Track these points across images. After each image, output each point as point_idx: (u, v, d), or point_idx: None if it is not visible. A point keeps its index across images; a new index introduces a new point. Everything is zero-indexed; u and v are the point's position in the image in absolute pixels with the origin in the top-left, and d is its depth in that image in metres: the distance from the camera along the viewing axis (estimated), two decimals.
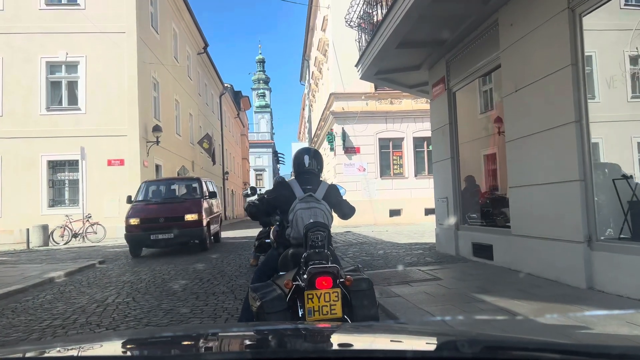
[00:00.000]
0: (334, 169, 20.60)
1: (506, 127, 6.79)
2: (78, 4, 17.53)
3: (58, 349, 1.36)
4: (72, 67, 17.54)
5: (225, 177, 37.88)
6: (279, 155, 77.69)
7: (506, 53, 6.59)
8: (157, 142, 18.56)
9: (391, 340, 1.47)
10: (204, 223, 11.75)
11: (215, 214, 14.10)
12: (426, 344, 1.37)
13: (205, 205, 12.21)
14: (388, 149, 20.83)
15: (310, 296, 2.69)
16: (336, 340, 1.45)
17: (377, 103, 20.66)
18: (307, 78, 35.33)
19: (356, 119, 20.14)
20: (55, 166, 17.44)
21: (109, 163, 17.19)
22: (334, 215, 3.50)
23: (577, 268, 5.21)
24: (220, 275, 7.90)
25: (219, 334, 1.58)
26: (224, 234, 18.94)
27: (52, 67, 17.55)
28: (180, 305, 5.68)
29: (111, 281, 7.81)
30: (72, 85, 17.64)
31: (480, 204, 8.58)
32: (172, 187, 13.75)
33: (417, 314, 4.52)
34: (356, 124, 20.23)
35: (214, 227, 13.60)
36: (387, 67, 9.60)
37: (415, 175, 20.66)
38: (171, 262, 10.01)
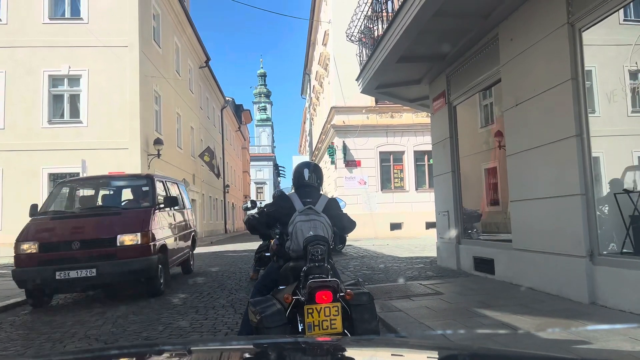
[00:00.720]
0: (335, 182, 20.60)
1: (507, 141, 6.80)
2: (81, 18, 17.69)
3: None
4: (74, 80, 17.64)
5: (226, 190, 37.93)
6: (280, 168, 77.82)
7: (506, 67, 6.63)
8: (159, 155, 18.60)
9: (392, 355, 1.45)
10: (153, 249, 7.21)
11: (182, 233, 9.52)
12: (427, 358, 1.35)
13: (158, 219, 7.82)
14: (389, 162, 20.85)
15: (310, 310, 2.67)
16: (337, 354, 1.44)
17: (377, 117, 20.73)
18: (308, 92, 35.50)
19: (357, 132, 20.20)
20: (56, 179, 17.40)
21: None
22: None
23: (579, 282, 5.18)
24: (220, 288, 7.86)
25: (219, 348, 1.56)
26: (223, 248, 18.88)
27: (55, 81, 17.65)
28: (180, 319, 5.64)
29: None
30: (74, 99, 17.72)
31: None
32: (107, 190, 9.39)
33: (418, 328, 4.48)
34: (357, 137, 20.28)
35: (179, 255, 9.17)
36: (387, 81, 9.65)
37: (416, 189, 20.65)
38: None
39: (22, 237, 7.02)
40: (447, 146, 8.80)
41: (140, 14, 17.98)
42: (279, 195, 3.71)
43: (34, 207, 7.76)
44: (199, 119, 28.62)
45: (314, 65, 30.13)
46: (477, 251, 7.83)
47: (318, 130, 28.89)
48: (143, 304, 6.76)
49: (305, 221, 3.19)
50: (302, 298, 2.69)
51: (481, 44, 7.43)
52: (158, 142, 18.42)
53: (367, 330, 2.74)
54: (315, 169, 3.59)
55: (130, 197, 8.70)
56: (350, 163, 20.32)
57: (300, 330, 2.71)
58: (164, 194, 8.67)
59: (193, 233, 10.77)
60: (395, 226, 20.16)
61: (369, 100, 19.32)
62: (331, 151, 20.77)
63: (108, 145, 17.09)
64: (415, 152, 20.69)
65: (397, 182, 20.91)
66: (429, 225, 18.01)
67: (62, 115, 17.60)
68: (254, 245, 11.23)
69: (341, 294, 2.72)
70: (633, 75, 5.20)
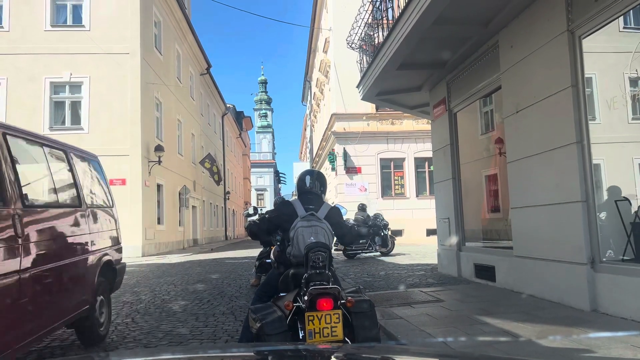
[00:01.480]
0: (336, 189, 20.60)
1: (507, 148, 6.80)
2: (83, 25, 17.77)
3: None
4: (75, 87, 17.70)
5: (227, 197, 37.91)
6: (281, 175, 77.83)
7: (507, 74, 6.64)
8: (159, 162, 18.61)
9: None
10: None
11: (61, 263, 3.97)
12: None
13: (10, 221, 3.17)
14: (389, 169, 20.86)
15: (311, 318, 2.66)
16: None
17: (378, 123, 20.76)
18: (308, 99, 35.58)
19: (357, 139, 20.22)
20: None
21: (111, 182, 16.97)
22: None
23: (580, 290, 5.16)
24: (220, 295, 7.84)
25: (219, 355, 1.56)
26: (223, 255, 18.81)
27: (56, 88, 17.71)
28: (180, 326, 5.62)
29: None
30: (76, 105, 17.77)
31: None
32: None
33: (419, 335, 4.46)
34: (357, 144, 20.31)
35: (39, 315, 3.62)
36: (388, 88, 9.67)
37: (417, 196, 20.65)
38: None
39: None
40: (448, 153, 8.81)
41: (142, 21, 18.07)
42: (281, 202, 3.71)
43: None
44: (199, 126, 28.67)
45: (314, 72, 30.22)
46: (478, 258, 7.82)
47: (319, 137, 28.93)
48: (142, 311, 6.74)
49: (307, 227, 3.20)
50: (303, 305, 2.68)
51: (481, 51, 7.45)
52: (159, 148, 18.44)
53: (368, 338, 2.73)
54: (318, 177, 3.60)
55: None
56: (351, 170, 20.34)
57: (301, 337, 2.70)
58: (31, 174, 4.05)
59: (105, 257, 5.05)
60: (395, 233, 20.02)
61: (369, 107, 19.35)
62: (332, 158, 20.80)
63: (109, 152, 17.05)
64: (415, 158, 20.70)
65: (398, 189, 20.91)
66: (430, 232, 18.01)
67: (63, 122, 17.65)
68: (254, 252, 11.21)
69: (342, 301, 2.71)
70: (633, 82, 5.21)
